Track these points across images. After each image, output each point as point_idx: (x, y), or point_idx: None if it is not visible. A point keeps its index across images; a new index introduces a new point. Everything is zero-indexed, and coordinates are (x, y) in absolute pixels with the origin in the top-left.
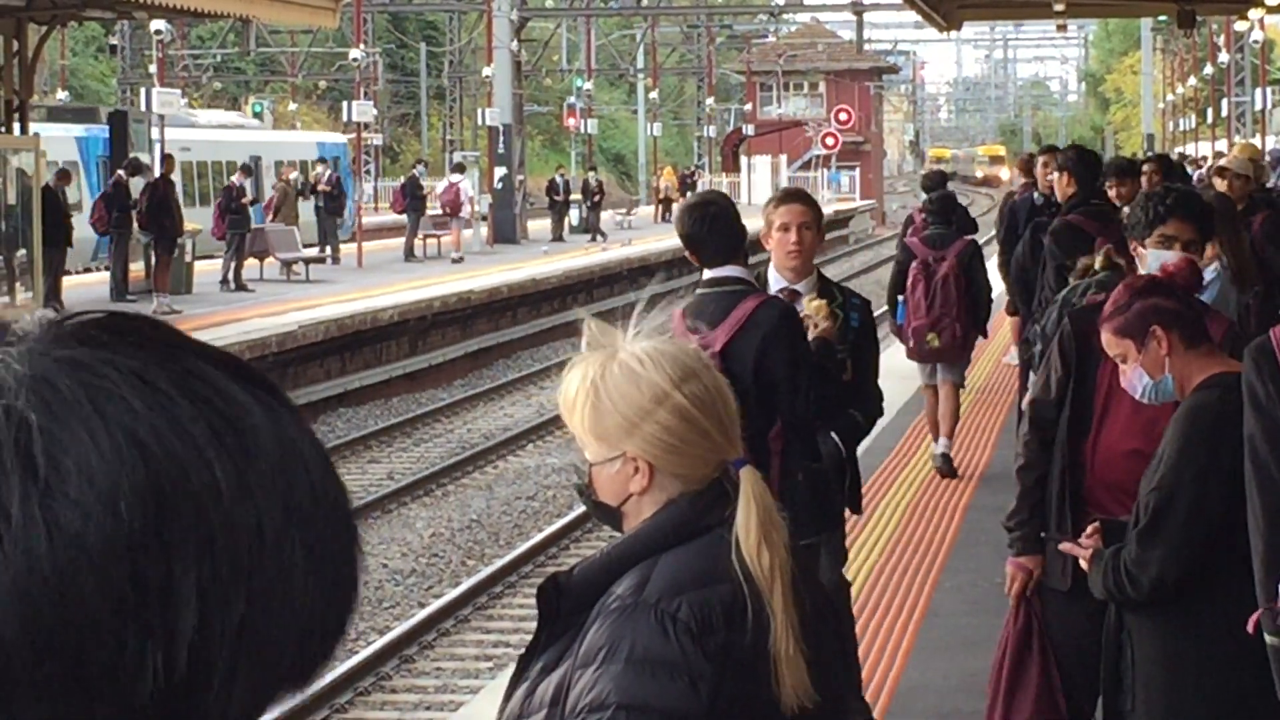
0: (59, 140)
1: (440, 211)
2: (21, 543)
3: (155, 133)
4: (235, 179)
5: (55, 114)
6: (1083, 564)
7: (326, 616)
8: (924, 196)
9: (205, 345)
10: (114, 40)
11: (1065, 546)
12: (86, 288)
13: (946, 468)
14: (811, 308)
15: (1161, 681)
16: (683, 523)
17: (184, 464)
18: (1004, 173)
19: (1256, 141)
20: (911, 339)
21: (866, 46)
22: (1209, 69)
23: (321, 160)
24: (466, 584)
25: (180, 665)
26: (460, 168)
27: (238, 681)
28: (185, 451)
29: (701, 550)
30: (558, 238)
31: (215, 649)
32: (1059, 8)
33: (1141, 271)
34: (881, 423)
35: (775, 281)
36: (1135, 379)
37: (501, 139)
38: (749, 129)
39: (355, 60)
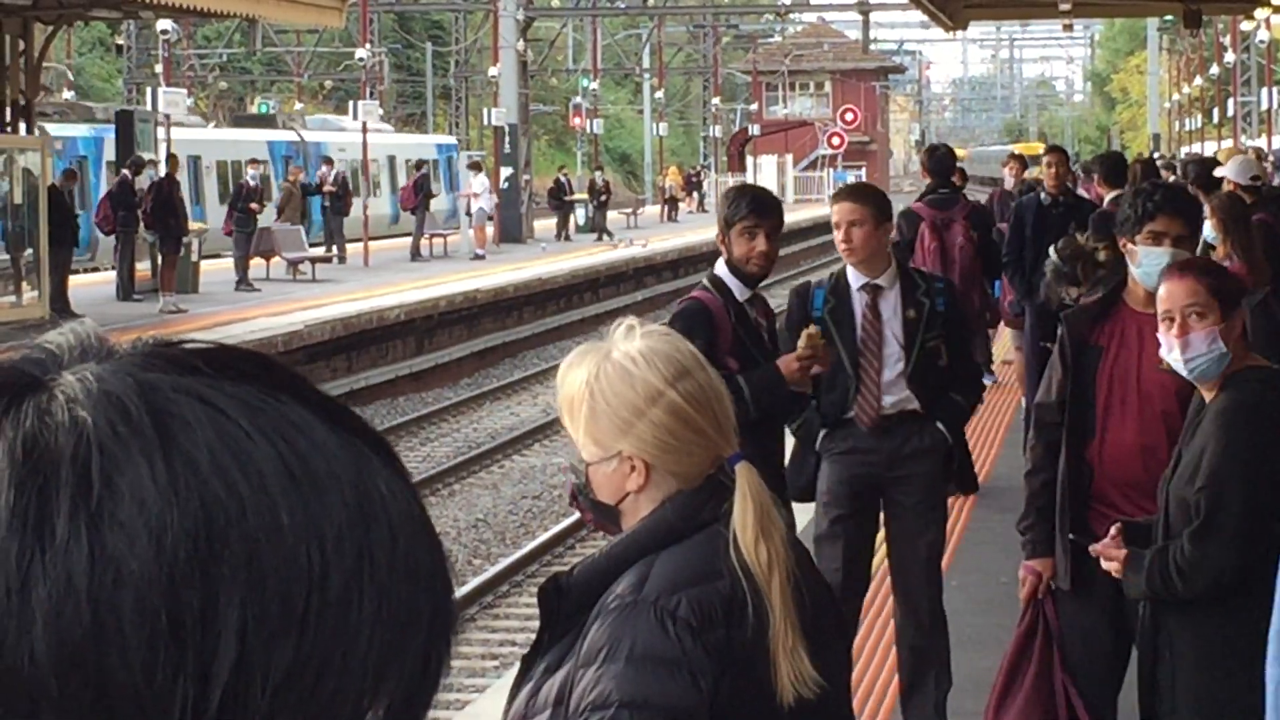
0: (252, 144)
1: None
2: (62, 560)
3: (161, 132)
4: (248, 177)
5: (240, 121)
6: (1105, 564)
7: (396, 685)
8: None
9: (311, 391)
10: (120, 40)
11: (1095, 549)
12: (93, 287)
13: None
14: (803, 337)
15: (1205, 681)
16: (680, 520)
17: (244, 503)
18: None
19: (1262, 142)
20: None
21: (872, 46)
22: (1215, 69)
23: (327, 160)
24: (472, 583)
25: (212, 704)
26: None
27: None
28: (249, 490)
29: (699, 547)
30: (564, 237)
31: (254, 694)
32: (1065, 7)
33: (1132, 269)
34: None
35: (855, 279)
36: (1199, 342)
37: (507, 139)
38: (755, 129)
39: (361, 60)
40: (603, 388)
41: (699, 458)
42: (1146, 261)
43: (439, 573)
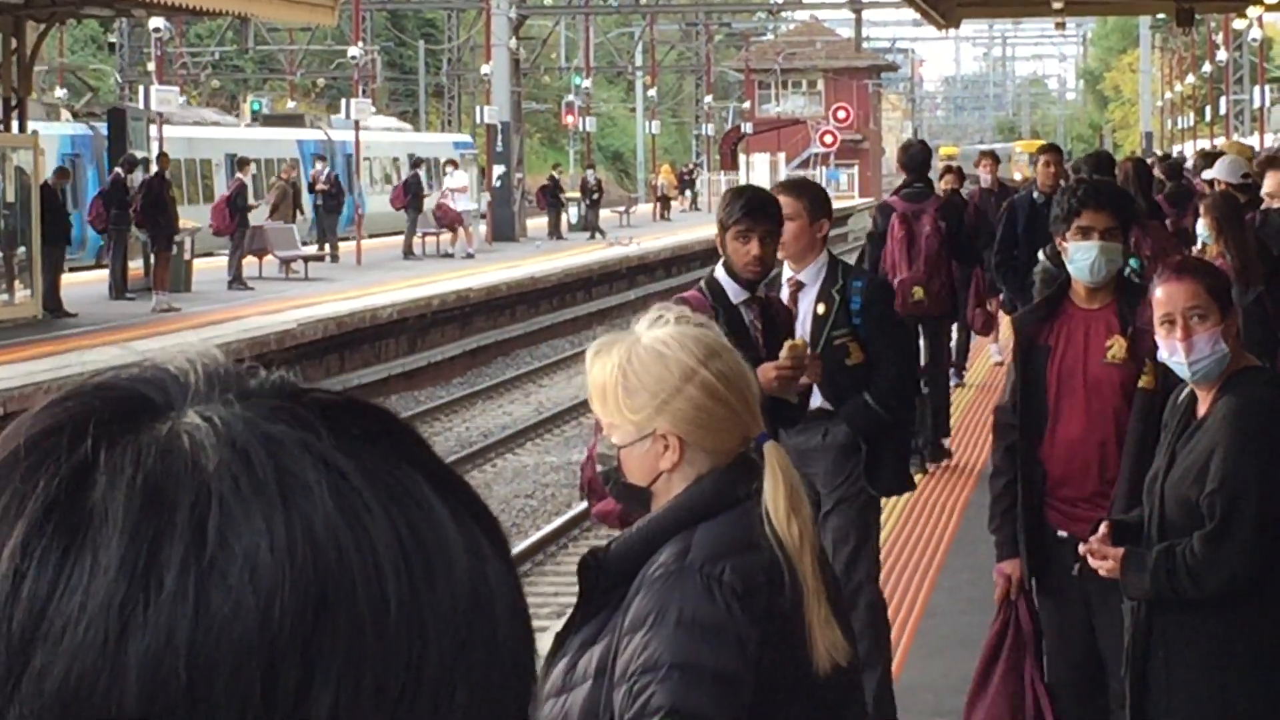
0: (283, 143)
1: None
2: (166, 614)
3: (153, 130)
4: (241, 177)
5: (270, 120)
6: (1095, 563)
7: None
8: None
9: (434, 462)
10: (112, 38)
11: (1085, 547)
12: (86, 286)
13: None
14: (785, 348)
15: (1203, 683)
16: (715, 495)
17: (355, 577)
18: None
19: (1254, 140)
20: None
21: (865, 44)
22: (1207, 67)
23: (320, 158)
24: None
25: None
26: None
27: None
28: (361, 564)
29: (735, 521)
30: (557, 236)
31: None
32: (1057, 5)
33: (1067, 264)
34: None
35: (785, 274)
36: (1203, 344)
37: (500, 137)
38: (747, 127)
39: (354, 58)
40: (636, 369)
41: (731, 434)
42: (1077, 256)
43: (529, 665)
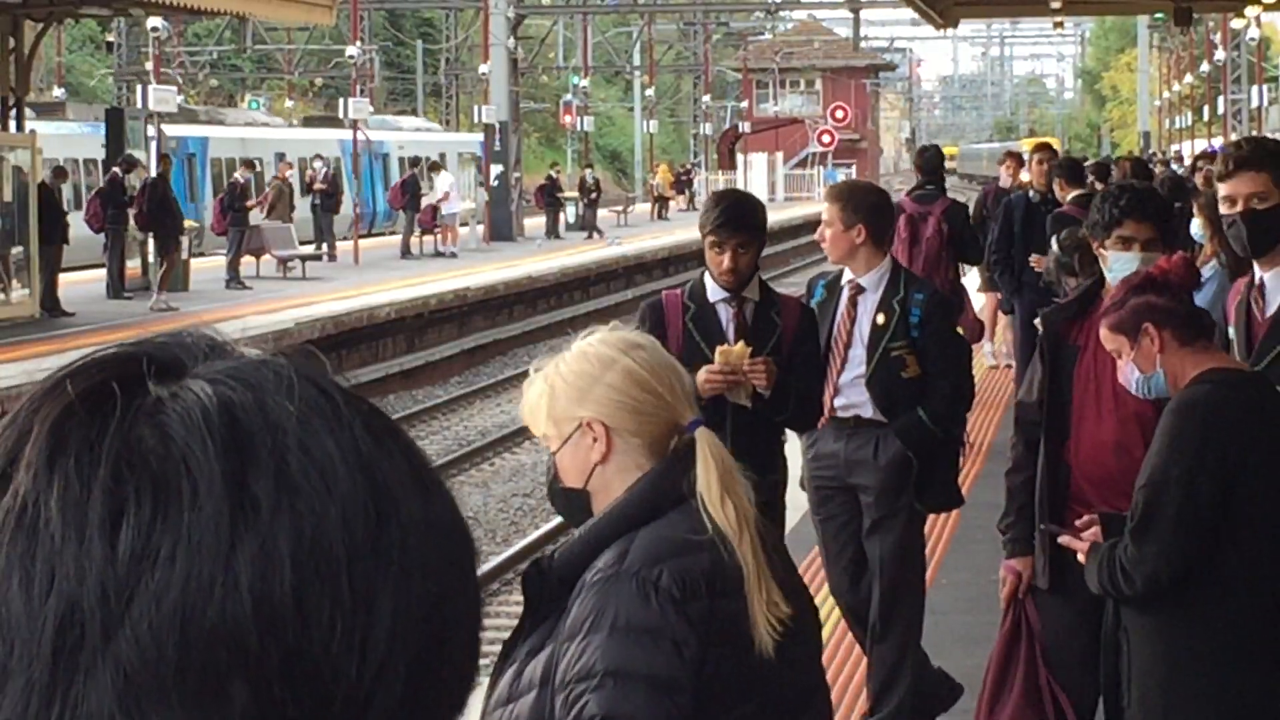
0: (327, 143)
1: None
2: (267, 534)
3: (151, 130)
4: (238, 176)
5: (310, 121)
6: (1080, 558)
7: (460, 694)
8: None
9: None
10: (110, 37)
11: (1064, 540)
12: (83, 285)
13: None
14: (719, 353)
15: (1158, 678)
16: (656, 495)
17: (396, 494)
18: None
19: None
20: None
21: (863, 44)
22: (1205, 66)
23: (319, 158)
24: None
25: (367, 681)
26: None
27: None
28: (399, 485)
29: (677, 522)
30: (554, 234)
31: (389, 682)
32: (1055, 5)
33: (1106, 272)
34: None
35: (846, 275)
36: (1129, 373)
37: (498, 136)
38: (745, 126)
39: (351, 57)
40: (560, 372)
41: (657, 420)
42: (1117, 266)
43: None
